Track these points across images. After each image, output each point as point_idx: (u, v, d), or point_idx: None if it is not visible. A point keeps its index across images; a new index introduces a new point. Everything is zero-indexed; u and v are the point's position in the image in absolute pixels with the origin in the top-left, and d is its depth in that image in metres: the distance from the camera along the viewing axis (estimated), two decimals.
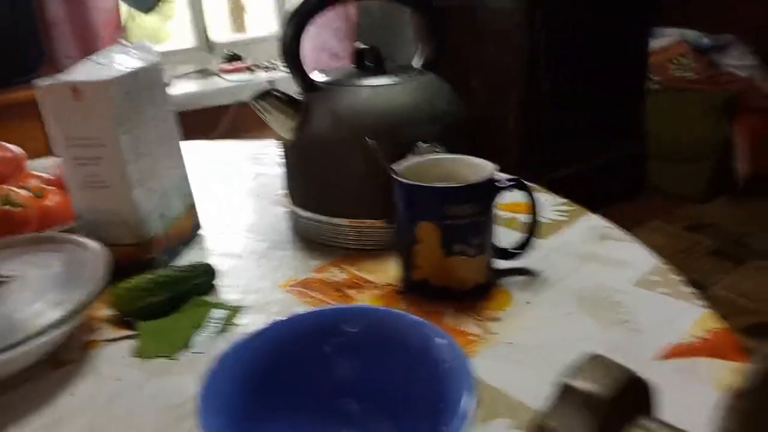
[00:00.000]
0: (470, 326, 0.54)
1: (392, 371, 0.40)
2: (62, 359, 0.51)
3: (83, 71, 0.63)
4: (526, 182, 0.60)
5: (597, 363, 0.26)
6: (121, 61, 0.65)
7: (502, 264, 0.62)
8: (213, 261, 0.66)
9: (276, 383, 0.39)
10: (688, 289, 0.59)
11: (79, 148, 0.61)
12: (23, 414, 0.46)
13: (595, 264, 0.64)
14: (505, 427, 0.43)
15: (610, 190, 2.42)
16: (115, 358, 0.52)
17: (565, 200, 0.79)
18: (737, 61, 2.40)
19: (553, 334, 0.53)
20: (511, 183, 0.60)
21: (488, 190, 0.58)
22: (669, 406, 0.44)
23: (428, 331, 0.39)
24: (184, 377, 0.49)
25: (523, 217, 0.63)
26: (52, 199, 0.69)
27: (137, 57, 0.67)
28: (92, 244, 0.57)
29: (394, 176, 0.57)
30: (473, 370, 0.36)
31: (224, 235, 0.74)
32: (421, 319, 0.40)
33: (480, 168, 0.60)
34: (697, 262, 2.05)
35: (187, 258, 0.68)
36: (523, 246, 0.63)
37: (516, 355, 0.50)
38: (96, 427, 0.44)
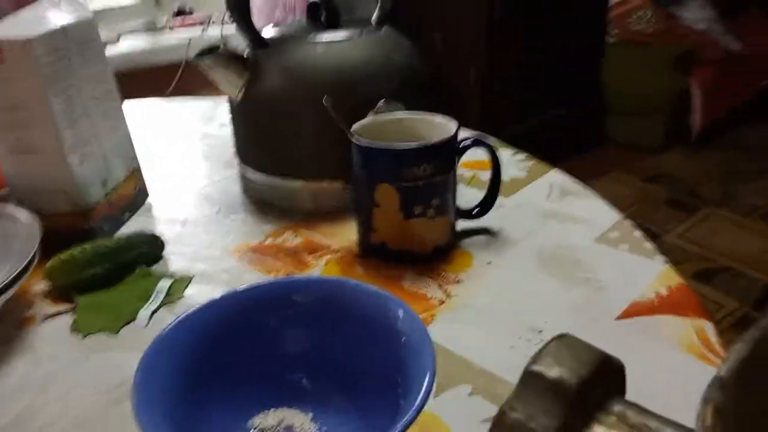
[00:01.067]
0: (431, 290, 0.52)
1: (346, 345, 0.38)
2: None
3: (5, 27, 0.57)
4: (487, 141, 0.58)
5: (564, 345, 0.24)
6: (50, 17, 0.60)
7: (463, 224, 0.60)
8: (160, 228, 0.63)
9: (220, 362, 0.37)
10: (649, 245, 0.58)
11: (4, 112, 0.56)
12: None
13: (556, 222, 0.62)
14: (466, 393, 0.41)
15: (570, 143, 2.43)
16: (53, 335, 0.48)
17: (525, 155, 0.77)
18: (696, 15, 2.40)
19: (515, 295, 0.51)
20: (473, 141, 0.57)
21: (449, 150, 0.55)
22: (633, 367, 0.43)
23: (385, 301, 0.37)
24: (125, 354, 0.46)
25: (485, 175, 0.60)
26: None
27: (68, 12, 0.61)
28: (23, 214, 0.53)
29: (351, 137, 0.54)
30: (432, 342, 0.34)
31: (172, 200, 0.70)
32: (378, 289, 0.38)
33: (441, 126, 0.57)
34: (653, 212, 2.09)
35: (132, 226, 0.64)
36: (484, 206, 0.61)
37: (477, 319, 0.49)
38: (32, 410, 0.41)
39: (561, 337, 0.25)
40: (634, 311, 0.49)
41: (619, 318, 0.48)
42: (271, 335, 0.39)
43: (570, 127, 2.46)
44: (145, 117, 0.96)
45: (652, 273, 0.54)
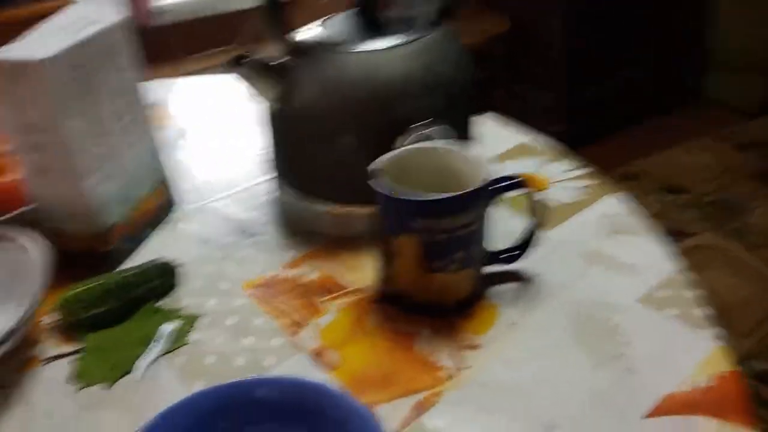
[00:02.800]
0: (442, 357, 0.48)
1: None
2: None
3: (25, 43, 0.55)
4: (529, 180, 0.51)
5: None
6: (76, 25, 0.56)
7: (493, 267, 0.55)
8: (179, 247, 0.61)
9: None
10: (699, 312, 0.51)
11: (22, 134, 0.54)
12: None
13: (600, 269, 0.56)
14: None
15: (658, 102, 2.25)
16: (51, 384, 0.48)
17: (582, 171, 0.69)
18: None
19: (533, 374, 0.46)
20: (508, 185, 0.51)
21: (480, 197, 0.49)
22: None
23: (366, 424, 0.33)
24: (116, 413, 0.45)
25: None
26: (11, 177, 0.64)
27: (100, 15, 0.58)
28: (32, 244, 0.52)
29: (372, 178, 0.49)
30: None
31: (197, 212, 0.67)
32: (359, 406, 0.34)
33: (474, 165, 0.51)
34: (737, 185, 1.91)
35: (153, 246, 0.62)
36: (519, 249, 0.55)
37: (486, 404, 0.44)
38: None
39: None
40: (668, 407, 0.43)
41: (650, 416, 0.43)
42: None
43: (660, 84, 2.28)
44: (187, 96, 0.94)
45: (698, 353, 0.47)
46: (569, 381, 0.46)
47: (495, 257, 0.55)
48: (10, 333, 0.45)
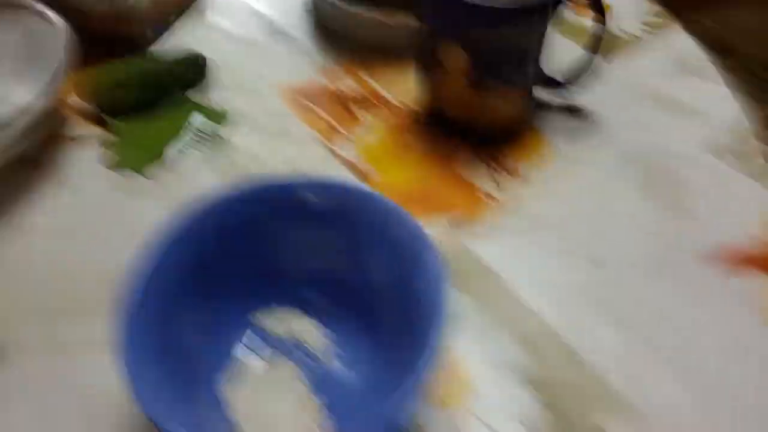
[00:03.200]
0: (483, 180, 0.46)
1: (364, 267, 0.34)
2: (24, 156, 0.46)
3: None
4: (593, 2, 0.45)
5: None
6: None
7: (548, 96, 0.51)
8: (210, 42, 0.56)
9: (223, 269, 0.34)
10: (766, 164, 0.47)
11: None
12: None
13: (661, 111, 0.52)
14: (491, 332, 0.37)
15: None
16: (82, 162, 0.46)
17: (657, 8, 0.62)
18: None
19: (583, 207, 0.44)
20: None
21: (540, 11, 0.44)
22: (701, 328, 0.37)
23: (414, 238, 0.31)
24: (145, 199, 0.44)
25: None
26: None
27: None
28: (54, 15, 0.48)
29: None
30: (447, 302, 0.29)
31: (226, 4, 0.61)
32: (411, 221, 0.32)
33: None
34: None
35: (180, 36, 0.57)
36: (576, 75, 0.50)
37: (528, 232, 0.43)
38: (50, 253, 0.41)
39: None
40: (725, 256, 0.41)
41: (705, 263, 0.41)
42: (285, 243, 0.35)
43: None
44: None
45: (758, 205, 0.44)
46: (621, 220, 0.43)
47: (551, 83, 0.50)
48: (34, 103, 0.42)
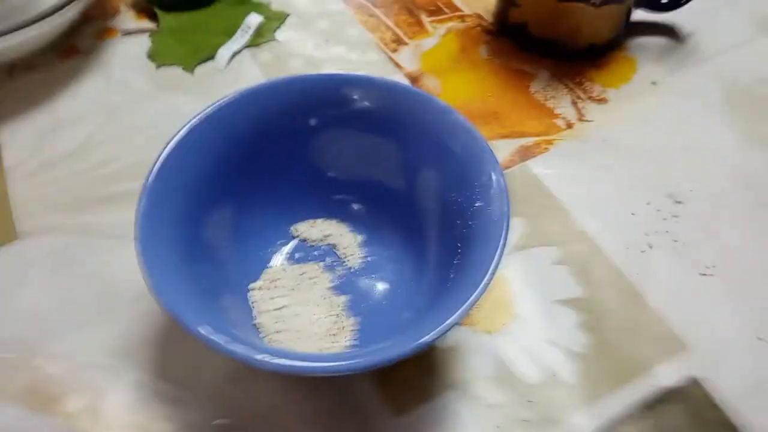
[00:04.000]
0: (562, 103, 0.41)
1: (411, 177, 0.31)
2: (73, 46, 0.44)
3: None
4: None
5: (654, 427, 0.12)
6: None
7: (641, 15, 0.45)
8: None
9: (259, 164, 0.31)
10: None
11: None
12: (18, 110, 0.40)
13: None
14: (550, 260, 0.33)
15: None
16: (129, 55, 0.44)
17: None
18: None
19: (669, 139, 0.39)
20: None
21: None
22: None
23: (480, 155, 0.27)
24: (196, 97, 0.41)
25: None
26: None
27: None
28: None
29: None
30: (507, 232, 0.25)
31: None
32: (475, 130, 0.28)
33: None
34: None
35: None
36: None
37: (605, 161, 0.38)
38: (90, 143, 0.39)
39: (661, 404, 0.13)
40: None
41: None
42: (327, 142, 0.32)
43: None
44: None
45: None
46: (709, 155, 0.38)
47: (653, 3, 0.44)
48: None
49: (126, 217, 0.35)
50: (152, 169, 0.27)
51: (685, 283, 0.32)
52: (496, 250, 0.24)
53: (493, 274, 0.24)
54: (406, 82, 0.42)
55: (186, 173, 0.28)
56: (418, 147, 0.30)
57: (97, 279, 0.33)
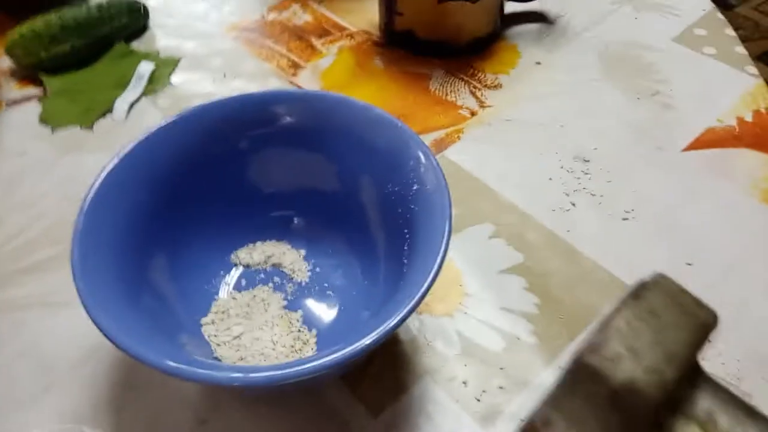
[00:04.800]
0: (461, 95, 0.43)
1: (347, 181, 0.31)
2: None
3: None
4: None
5: (645, 313, 0.14)
6: None
7: (513, 6, 0.49)
8: None
9: (193, 193, 0.30)
10: (741, 50, 0.46)
11: None
12: None
13: (630, 9, 0.50)
14: (487, 234, 0.35)
15: None
16: (20, 125, 0.42)
17: None
18: None
19: (563, 108, 0.42)
20: None
21: None
22: (693, 212, 0.36)
23: (403, 138, 0.28)
24: (100, 154, 0.39)
25: None
26: None
27: None
28: None
29: None
30: (450, 203, 0.26)
31: None
32: (396, 120, 0.29)
33: None
34: None
35: None
36: None
37: (513, 138, 0.40)
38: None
39: (642, 293, 0.15)
40: (708, 140, 0.40)
41: (688, 149, 0.39)
42: (254, 162, 0.31)
43: None
44: None
45: (738, 89, 0.43)
46: (602, 116, 0.42)
47: None
48: None
49: (49, 284, 0.33)
50: (78, 218, 0.26)
51: (611, 230, 0.35)
52: (444, 221, 0.25)
53: (446, 245, 0.24)
54: None
55: (116, 213, 0.27)
56: (346, 149, 0.30)
57: (33, 355, 0.31)
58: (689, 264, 0.33)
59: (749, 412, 0.14)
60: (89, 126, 0.41)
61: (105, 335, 0.23)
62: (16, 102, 0.43)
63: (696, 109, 0.42)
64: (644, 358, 0.13)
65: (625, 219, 0.35)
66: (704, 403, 0.14)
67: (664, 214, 0.36)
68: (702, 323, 0.14)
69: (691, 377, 0.14)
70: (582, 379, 0.13)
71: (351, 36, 0.48)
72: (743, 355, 0.29)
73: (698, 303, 0.15)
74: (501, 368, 0.29)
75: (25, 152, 0.40)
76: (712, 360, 0.29)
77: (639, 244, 0.34)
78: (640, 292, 0.15)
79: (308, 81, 0.44)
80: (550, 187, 0.37)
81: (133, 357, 0.22)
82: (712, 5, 0.50)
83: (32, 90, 0.44)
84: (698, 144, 0.40)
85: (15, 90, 0.44)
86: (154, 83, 0.44)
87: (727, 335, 0.30)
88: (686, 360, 0.13)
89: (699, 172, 0.38)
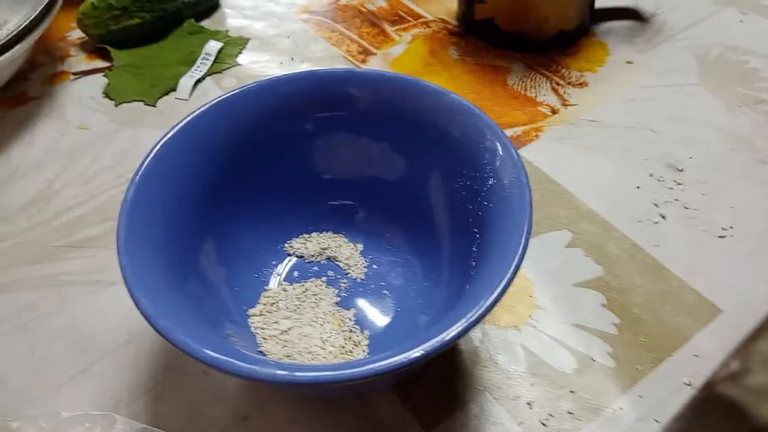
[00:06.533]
0: (542, 92, 0.40)
1: (415, 174, 0.29)
2: (22, 93, 0.42)
3: None
4: None
5: None
6: None
7: (603, 2, 0.45)
8: None
9: (250, 174, 0.28)
10: None
11: None
12: None
13: (735, 10, 0.45)
14: (564, 243, 0.32)
15: None
16: (84, 97, 0.41)
17: None
18: None
19: (655, 113, 0.38)
20: None
21: None
22: None
23: (480, 127, 0.26)
24: (159, 131, 0.38)
25: None
26: None
27: None
28: None
29: None
30: (531, 202, 0.23)
31: None
32: (473, 107, 0.26)
33: None
34: None
35: None
36: None
37: (598, 140, 0.37)
38: (53, 188, 0.36)
39: None
40: None
41: None
42: (317, 145, 0.29)
43: None
44: None
45: None
46: (698, 123, 0.37)
47: None
48: (26, 31, 0.37)
49: (96, 262, 0.32)
50: (128, 190, 0.24)
51: (705, 247, 0.31)
52: (523, 222, 0.22)
53: (524, 249, 0.21)
54: None
55: (167, 189, 0.25)
56: (415, 137, 0.28)
57: (73, 334, 0.29)
58: None
59: None
60: (153, 102, 0.40)
61: (144, 316, 0.21)
62: (82, 73, 0.43)
63: None
64: None
65: (721, 236, 0.31)
66: None
67: (765, 234, 0.31)
68: None
69: None
70: (714, 414, 0.10)
71: (426, 24, 0.45)
72: None
73: None
74: (571, 391, 0.26)
75: (87, 125, 0.39)
76: None
77: (736, 265, 0.30)
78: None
79: (378, 68, 0.42)
80: (637, 196, 0.34)
81: (171, 343, 0.20)
82: None
83: (99, 63, 0.43)
84: None
85: (83, 62, 0.44)
86: (221, 63, 0.43)
87: None
88: None
89: None
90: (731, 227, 0.32)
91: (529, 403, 0.26)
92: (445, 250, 0.28)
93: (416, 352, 0.19)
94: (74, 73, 0.43)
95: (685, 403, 0.11)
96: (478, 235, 0.25)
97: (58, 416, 0.23)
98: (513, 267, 0.21)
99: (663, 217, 0.32)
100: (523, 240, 0.22)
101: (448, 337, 0.20)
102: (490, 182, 0.25)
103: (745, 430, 0.10)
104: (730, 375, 0.11)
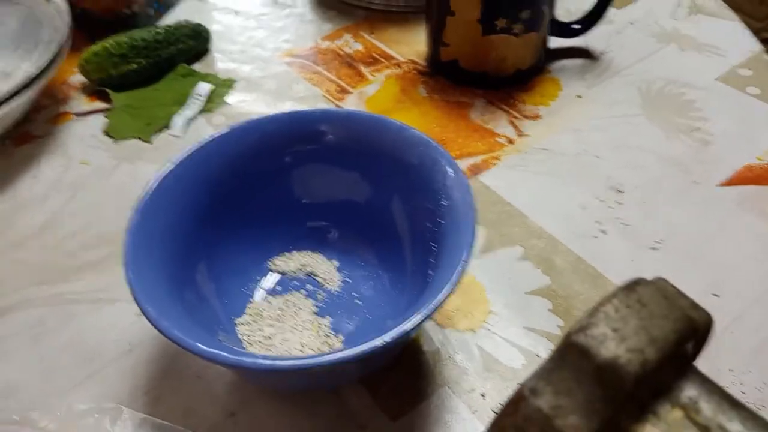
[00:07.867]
0: (500, 125, 0.45)
1: (380, 196, 0.33)
2: (27, 133, 0.46)
3: None
4: None
5: (634, 302, 0.15)
6: None
7: (557, 41, 0.50)
8: (212, 16, 0.56)
9: (235, 201, 0.32)
10: None
11: None
12: None
13: (675, 48, 0.50)
14: (516, 256, 0.36)
15: None
16: (86, 135, 0.45)
17: None
18: None
19: (601, 141, 0.43)
20: None
21: None
22: (725, 247, 0.36)
23: (434, 155, 0.30)
24: (155, 165, 0.43)
25: None
26: None
27: None
28: None
29: None
30: (476, 217, 0.27)
31: None
32: (428, 138, 0.31)
33: None
34: None
35: (179, 12, 0.57)
36: (588, 21, 0.49)
37: (548, 167, 0.41)
38: (56, 219, 0.40)
39: (634, 287, 0.16)
40: (745, 177, 0.40)
41: (724, 184, 0.39)
42: (295, 175, 0.34)
43: None
44: None
45: None
46: (639, 149, 0.42)
47: (561, 27, 0.49)
48: (35, 78, 0.42)
49: (99, 282, 0.36)
50: (132, 215, 0.28)
51: (639, 258, 0.35)
52: (468, 233, 0.26)
53: (469, 253, 0.25)
54: None
55: (166, 214, 0.29)
56: (380, 167, 0.32)
57: (78, 345, 0.33)
58: (716, 295, 0.33)
59: (733, 403, 0.15)
60: (148, 139, 0.44)
61: (147, 318, 0.25)
62: (84, 114, 0.47)
63: (736, 147, 0.42)
64: (628, 340, 0.14)
65: (653, 248, 0.36)
66: (690, 391, 0.15)
67: (693, 246, 0.36)
68: (689, 317, 0.15)
69: (678, 367, 0.15)
70: (570, 356, 0.15)
71: (398, 65, 0.50)
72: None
73: (694, 305, 0.16)
74: (519, 383, 0.30)
75: (88, 161, 0.43)
76: (732, 387, 0.29)
77: (665, 273, 0.34)
78: (633, 285, 0.16)
79: (354, 105, 0.47)
80: (581, 215, 0.38)
81: (170, 339, 0.24)
82: (761, 47, 0.50)
83: (99, 104, 0.48)
84: (735, 180, 0.40)
85: (84, 103, 0.48)
86: (211, 102, 0.47)
87: (750, 363, 0.29)
88: (669, 345, 0.14)
89: (733, 207, 0.38)
90: (663, 240, 0.36)
91: (482, 395, 0.30)
92: (409, 263, 0.32)
93: (378, 341, 0.23)
94: (76, 114, 0.47)
95: (554, 348, 0.15)
96: (434, 248, 0.29)
97: (71, 408, 0.26)
98: (459, 269, 0.25)
99: (603, 233, 0.37)
100: (467, 247, 0.26)
101: (403, 329, 0.24)
102: (443, 203, 0.29)
103: (591, 365, 0.14)
104: (581, 327, 0.15)
